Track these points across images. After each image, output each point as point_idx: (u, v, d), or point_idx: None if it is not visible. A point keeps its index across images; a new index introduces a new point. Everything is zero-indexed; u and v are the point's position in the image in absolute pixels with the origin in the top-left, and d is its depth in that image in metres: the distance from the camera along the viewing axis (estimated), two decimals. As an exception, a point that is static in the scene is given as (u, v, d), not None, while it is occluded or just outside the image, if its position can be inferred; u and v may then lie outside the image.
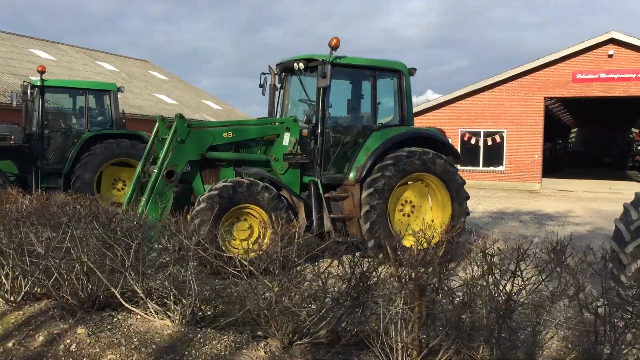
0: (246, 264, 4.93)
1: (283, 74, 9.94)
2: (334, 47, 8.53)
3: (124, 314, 5.49)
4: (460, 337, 4.14)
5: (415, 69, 9.57)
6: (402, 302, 4.31)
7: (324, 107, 8.81)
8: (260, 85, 10.05)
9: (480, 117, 26.98)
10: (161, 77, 38.92)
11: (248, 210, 8.21)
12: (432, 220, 9.38)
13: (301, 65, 8.96)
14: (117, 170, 13.08)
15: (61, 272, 5.56)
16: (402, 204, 9.27)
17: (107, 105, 13.20)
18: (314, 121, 8.95)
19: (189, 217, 8.39)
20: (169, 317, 5.26)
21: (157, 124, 9.10)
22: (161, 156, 8.25)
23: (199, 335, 4.97)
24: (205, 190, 8.63)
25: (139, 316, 5.41)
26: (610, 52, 24.58)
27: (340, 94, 9.86)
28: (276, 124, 9.04)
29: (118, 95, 13.20)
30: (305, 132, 8.86)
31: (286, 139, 8.88)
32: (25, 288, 5.87)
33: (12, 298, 5.86)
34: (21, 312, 5.61)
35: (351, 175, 8.93)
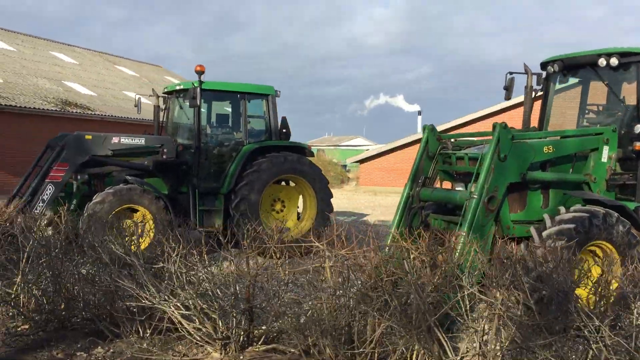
0: None
1: (546, 73, 8.18)
2: None
3: None
4: None
5: None
6: None
7: None
8: (506, 88, 8.22)
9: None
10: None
11: (592, 248, 6.33)
12: None
13: (613, 60, 7.16)
14: (276, 189, 10.91)
15: None
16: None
17: (264, 111, 11.03)
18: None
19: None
20: None
21: (425, 135, 7.16)
22: (481, 178, 6.25)
23: None
24: (510, 222, 6.75)
25: None
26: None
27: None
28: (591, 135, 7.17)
29: (276, 100, 11.05)
30: (639, 145, 6.98)
31: (605, 154, 7.03)
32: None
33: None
34: None
35: (678, 200, 7.11)
